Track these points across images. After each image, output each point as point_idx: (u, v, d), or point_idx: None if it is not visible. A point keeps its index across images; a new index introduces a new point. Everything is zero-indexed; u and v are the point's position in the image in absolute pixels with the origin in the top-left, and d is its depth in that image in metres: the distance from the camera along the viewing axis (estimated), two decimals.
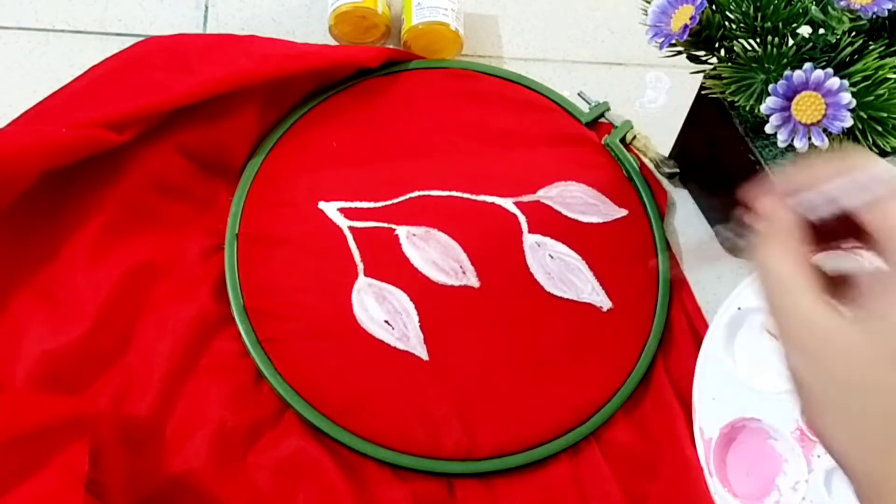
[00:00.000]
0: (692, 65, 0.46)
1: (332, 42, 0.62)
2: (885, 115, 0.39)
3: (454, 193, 0.55)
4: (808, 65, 0.39)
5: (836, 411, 0.27)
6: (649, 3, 0.44)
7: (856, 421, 0.26)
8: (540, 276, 0.53)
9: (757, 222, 0.29)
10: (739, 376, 0.48)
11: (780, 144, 0.40)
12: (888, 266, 0.26)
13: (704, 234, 0.58)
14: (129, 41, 0.56)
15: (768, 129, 0.40)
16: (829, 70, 0.38)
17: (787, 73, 0.39)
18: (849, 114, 0.38)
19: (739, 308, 0.51)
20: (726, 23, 0.43)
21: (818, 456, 0.46)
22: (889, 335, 0.25)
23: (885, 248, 0.26)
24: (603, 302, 0.53)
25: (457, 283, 0.52)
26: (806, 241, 0.28)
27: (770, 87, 0.40)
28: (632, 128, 0.59)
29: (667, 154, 0.59)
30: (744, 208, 0.30)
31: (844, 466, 0.27)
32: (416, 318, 0.51)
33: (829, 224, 0.28)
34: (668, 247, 0.56)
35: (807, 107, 0.39)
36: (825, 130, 0.39)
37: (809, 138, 0.39)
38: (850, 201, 0.26)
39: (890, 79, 0.39)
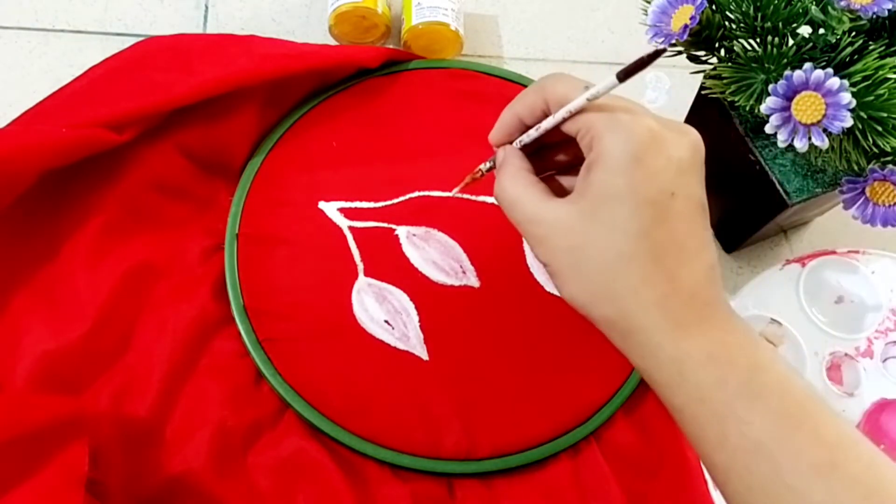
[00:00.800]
0: (692, 65, 0.46)
1: (332, 42, 0.62)
2: (885, 115, 0.39)
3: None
4: (808, 65, 0.39)
5: (571, 277, 0.32)
6: (649, 3, 0.44)
7: (583, 279, 0.31)
8: (540, 276, 0.53)
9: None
10: None
11: (780, 144, 0.40)
12: (588, 158, 0.31)
13: None
14: (129, 41, 0.56)
15: (768, 129, 0.40)
16: (829, 70, 0.38)
17: (787, 73, 0.39)
18: (849, 114, 0.38)
19: None
20: (726, 23, 0.43)
21: None
22: (590, 202, 0.30)
23: (582, 144, 0.32)
24: None
25: (457, 283, 0.52)
26: (527, 163, 0.35)
27: (770, 87, 0.40)
28: None
29: None
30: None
31: (596, 323, 0.33)
32: (416, 318, 0.51)
33: (550, 143, 0.36)
34: None
35: (807, 107, 0.39)
36: (825, 130, 0.39)
37: (809, 138, 0.39)
38: (552, 124, 0.33)
39: (890, 79, 0.39)
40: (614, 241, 0.30)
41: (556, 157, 0.38)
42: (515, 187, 0.34)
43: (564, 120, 0.33)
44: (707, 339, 0.30)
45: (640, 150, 0.29)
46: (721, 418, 0.29)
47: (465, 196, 0.55)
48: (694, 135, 0.32)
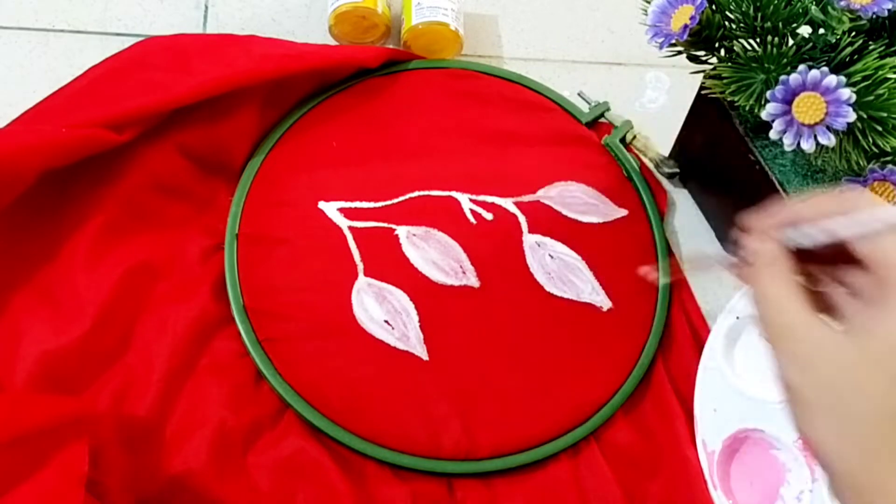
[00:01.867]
0: (692, 65, 0.46)
1: (332, 42, 0.62)
2: (885, 115, 0.39)
3: (454, 193, 0.55)
4: (802, 66, 0.39)
5: (825, 414, 0.28)
6: (649, 3, 0.44)
7: (843, 422, 0.28)
8: (540, 276, 0.53)
9: (750, 249, 0.32)
10: (740, 386, 0.48)
11: (787, 148, 0.40)
12: (877, 291, 0.28)
13: (705, 243, 0.58)
14: (129, 41, 0.56)
15: (772, 134, 0.40)
16: (825, 69, 0.38)
17: (783, 77, 0.39)
18: (850, 109, 0.38)
19: (738, 317, 0.51)
20: (726, 23, 0.43)
21: None
22: (877, 345, 0.27)
23: (879, 275, 0.28)
24: (603, 302, 0.53)
25: (457, 283, 0.52)
26: (794, 268, 0.31)
27: (768, 93, 0.40)
28: (632, 128, 0.59)
29: (667, 154, 0.59)
30: (742, 233, 0.33)
31: (832, 470, 0.29)
32: (416, 318, 0.51)
33: (820, 252, 0.31)
34: (668, 248, 0.56)
35: (808, 108, 0.39)
36: (829, 128, 0.39)
37: (815, 138, 0.39)
38: (848, 234, 0.29)
39: (890, 79, 0.39)
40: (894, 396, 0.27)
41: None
42: (786, 290, 0.30)
43: (867, 234, 0.28)
44: None
45: None
46: None
47: (467, 195, 0.55)
48: None
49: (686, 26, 0.41)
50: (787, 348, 0.30)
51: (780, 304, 0.30)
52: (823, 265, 0.33)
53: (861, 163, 0.42)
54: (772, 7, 0.41)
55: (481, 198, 0.55)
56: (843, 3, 0.39)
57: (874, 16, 0.39)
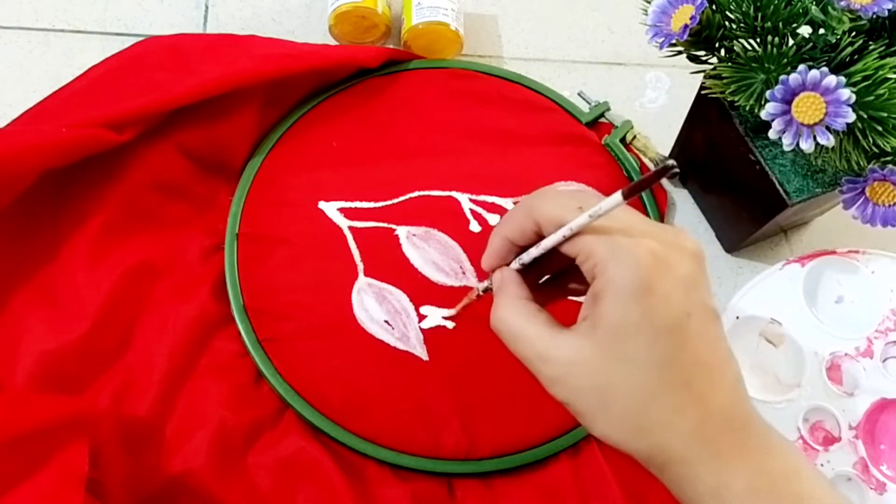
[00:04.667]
0: (692, 65, 0.46)
1: (332, 42, 0.62)
2: (885, 114, 0.39)
3: (454, 194, 0.55)
4: (802, 66, 0.39)
5: (599, 417, 0.30)
6: (649, 3, 0.44)
7: (613, 418, 0.29)
8: None
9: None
10: None
11: (786, 147, 0.40)
12: (591, 284, 0.30)
13: (705, 242, 0.58)
14: (129, 41, 0.56)
15: (772, 134, 0.40)
16: (825, 69, 0.38)
17: (783, 77, 0.39)
18: (850, 109, 0.38)
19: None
20: (726, 23, 0.43)
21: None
22: (605, 336, 0.29)
23: (583, 268, 0.30)
24: None
25: (457, 284, 0.52)
26: (526, 290, 0.33)
27: (768, 93, 0.40)
28: (632, 128, 0.59)
29: (667, 154, 0.59)
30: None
31: (633, 457, 0.30)
32: (415, 319, 0.51)
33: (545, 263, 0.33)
34: None
35: (807, 108, 0.39)
36: (828, 128, 0.39)
37: (814, 138, 0.39)
38: (553, 245, 0.31)
39: (890, 79, 0.39)
40: (639, 375, 0.29)
41: (549, 269, 0.36)
42: (517, 319, 0.32)
43: (565, 239, 0.30)
44: (748, 468, 0.29)
45: (648, 278, 0.28)
46: None
47: (467, 195, 0.55)
48: (692, 245, 0.30)
49: (686, 26, 0.41)
50: (542, 372, 0.31)
51: (520, 334, 0.32)
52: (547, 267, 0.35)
53: (861, 163, 0.42)
54: (772, 7, 0.41)
55: (481, 198, 0.55)
56: (843, 3, 0.39)
57: (874, 16, 0.39)
